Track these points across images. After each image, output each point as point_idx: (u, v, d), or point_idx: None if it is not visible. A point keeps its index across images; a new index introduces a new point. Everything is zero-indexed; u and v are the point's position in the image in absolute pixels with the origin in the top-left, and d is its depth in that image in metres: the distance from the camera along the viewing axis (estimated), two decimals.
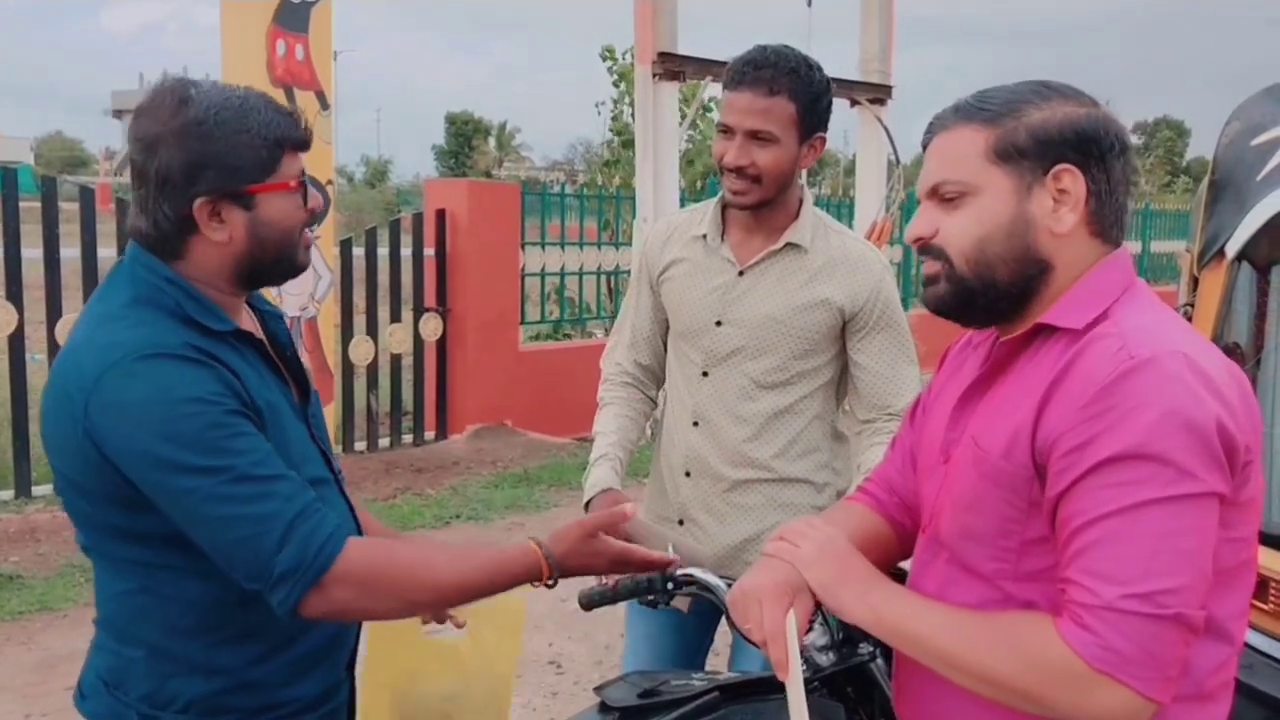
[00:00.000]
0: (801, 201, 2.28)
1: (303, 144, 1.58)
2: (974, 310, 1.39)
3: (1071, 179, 1.31)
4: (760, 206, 2.23)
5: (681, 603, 2.09)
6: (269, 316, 1.74)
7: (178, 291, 1.53)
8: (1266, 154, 2.57)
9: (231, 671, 1.57)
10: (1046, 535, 1.29)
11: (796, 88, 2.15)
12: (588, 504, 2.27)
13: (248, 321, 1.67)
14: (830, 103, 2.23)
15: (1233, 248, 2.60)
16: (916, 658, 1.33)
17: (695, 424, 2.34)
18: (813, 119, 2.19)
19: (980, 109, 1.35)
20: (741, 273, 2.29)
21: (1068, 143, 1.31)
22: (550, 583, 1.61)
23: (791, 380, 2.27)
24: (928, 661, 1.31)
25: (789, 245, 2.26)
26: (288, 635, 1.61)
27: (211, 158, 1.48)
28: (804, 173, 2.30)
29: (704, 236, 2.33)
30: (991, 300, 1.36)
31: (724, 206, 2.33)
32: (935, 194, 1.37)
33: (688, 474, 2.37)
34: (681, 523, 2.38)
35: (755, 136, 2.15)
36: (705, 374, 2.32)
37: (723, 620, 2.44)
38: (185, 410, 1.43)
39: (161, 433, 1.42)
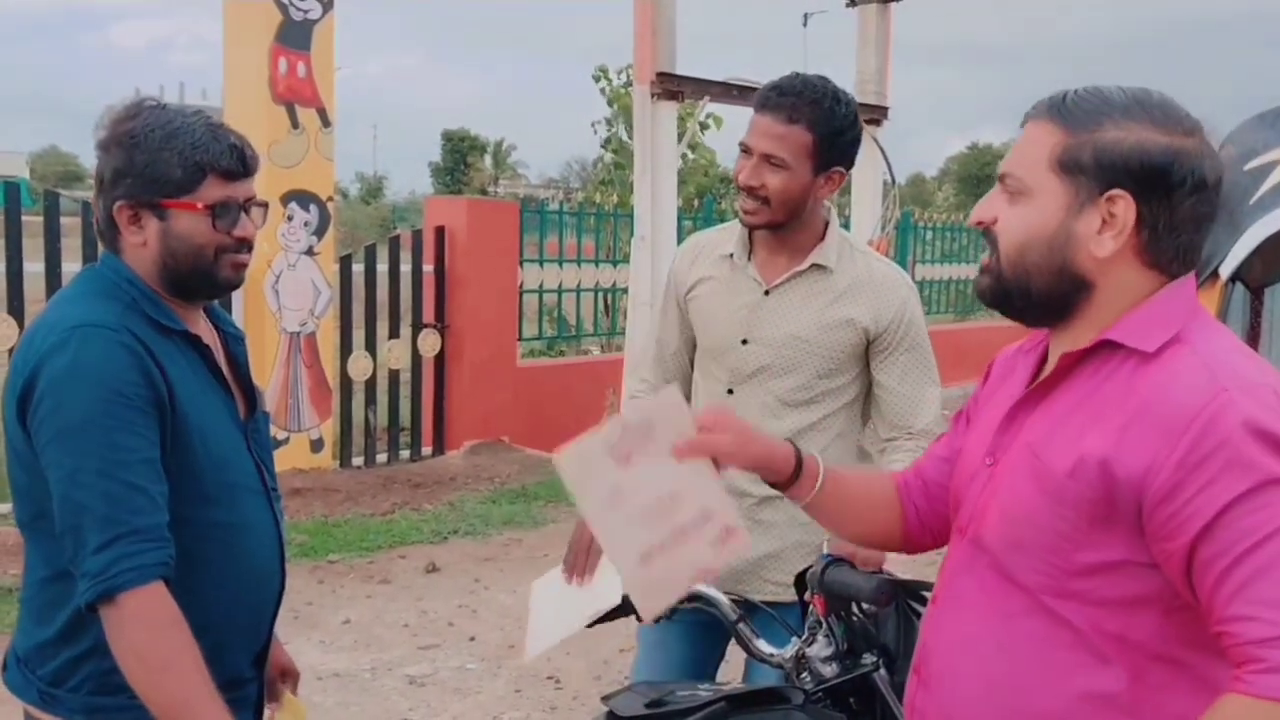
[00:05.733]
0: (827, 224, 2.31)
1: (230, 173, 1.69)
2: (1011, 309, 1.40)
3: (1124, 206, 1.28)
4: (772, 227, 2.27)
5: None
6: (231, 338, 1.87)
7: (135, 290, 1.68)
8: (1259, 178, 2.63)
9: None
10: (1106, 563, 1.29)
11: (817, 119, 2.18)
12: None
13: (205, 333, 1.79)
14: (856, 138, 2.26)
15: (1227, 269, 2.66)
16: None
17: None
18: (831, 152, 2.22)
19: (1067, 110, 1.33)
20: (767, 292, 2.32)
21: (1130, 170, 1.28)
22: None
23: (816, 399, 2.30)
24: None
25: (814, 266, 2.30)
26: (193, 626, 1.64)
27: (134, 167, 1.65)
28: (830, 199, 2.32)
29: (730, 255, 2.37)
30: (1026, 305, 1.37)
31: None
32: (1002, 182, 1.38)
33: None
34: None
35: (768, 159, 2.20)
36: (730, 391, 2.35)
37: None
38: (87, 386, 1.54)
39: (60, 401, 1.55)
